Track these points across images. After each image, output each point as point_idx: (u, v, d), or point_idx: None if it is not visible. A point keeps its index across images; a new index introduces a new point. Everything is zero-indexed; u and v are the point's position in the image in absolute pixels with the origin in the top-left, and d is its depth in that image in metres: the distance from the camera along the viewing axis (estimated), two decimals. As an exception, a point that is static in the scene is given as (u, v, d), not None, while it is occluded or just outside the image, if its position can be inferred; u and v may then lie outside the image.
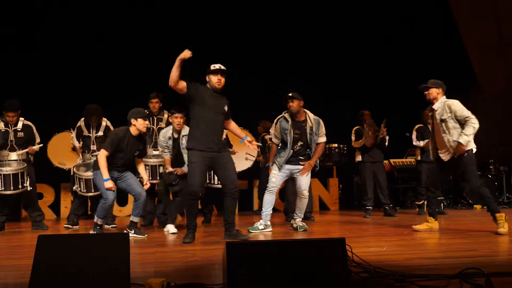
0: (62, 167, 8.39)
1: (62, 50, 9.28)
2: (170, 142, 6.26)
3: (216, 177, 7.21)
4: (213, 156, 5.17)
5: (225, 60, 8.44)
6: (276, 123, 6.10)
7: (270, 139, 7.02)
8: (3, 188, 6.48)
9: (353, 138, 8.07)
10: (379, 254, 4.17)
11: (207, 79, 5.24)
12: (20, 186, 6.53)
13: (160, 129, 6.94)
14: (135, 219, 5.77)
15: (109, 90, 8.42)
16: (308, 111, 6.04)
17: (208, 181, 7.28)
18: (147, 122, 5.71)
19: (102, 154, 5.56)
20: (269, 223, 6.03)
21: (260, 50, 9.93)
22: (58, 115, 8.45)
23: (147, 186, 5.83)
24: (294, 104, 5.87)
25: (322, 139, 6.05)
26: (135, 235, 5.67)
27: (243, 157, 8.56)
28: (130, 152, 5.72)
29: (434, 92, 5.66)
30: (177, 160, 6.31)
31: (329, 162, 7.81)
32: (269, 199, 6.02)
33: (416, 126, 8.22)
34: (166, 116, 7.01)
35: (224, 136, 7.55)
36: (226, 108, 5.30)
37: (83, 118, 6.97)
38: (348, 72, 10.16)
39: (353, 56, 10.26)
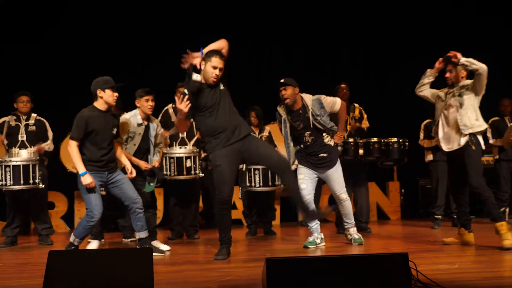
0: (77, 172, 8.57)
1: (73, 41, 9.44)
2: (141, 129, 6.04)
3: (257, 178, 7.19)
4: (239, 147, 5.13)
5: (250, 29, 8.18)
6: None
7: None
8: (12, 182, 6.55)
9: (421, 135, 7.98)
10: (450, 272, 4.11)
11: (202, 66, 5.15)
12: (31, 181, 6.57)
13: None
14: (142, 234, 5.52)
15: (126, 81, 8.50)
16: (304, 95, 5.92)
17: (248, 183, 7.25)
18: (116, 94, 5.40)
19: (72, 145, 5.27)
20: (322, 235, 6.00)
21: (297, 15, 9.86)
22: (72, 113, 8.61)
23: (132, 175, 5.61)
24: (288, 92, 5.77)
25: (336, 106, 5.92)
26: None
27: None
28: (108, 131, 5.42)
29: (460, 71, 5.54)
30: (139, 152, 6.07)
31: (388, 161, 7.64)
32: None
33: (491, 120, 8.05)
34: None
35: (266, 134, 7.57)
36: (221, 87, 5.21)
37: None
38: (410, 51, 9.95)
39: (403, 25, 10.05)
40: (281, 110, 5.94)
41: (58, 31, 9.44)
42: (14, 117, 7.02)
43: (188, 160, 6.50)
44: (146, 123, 6.07)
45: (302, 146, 5.92)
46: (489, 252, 5.17)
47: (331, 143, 5.93)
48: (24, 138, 6.94)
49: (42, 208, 7.15)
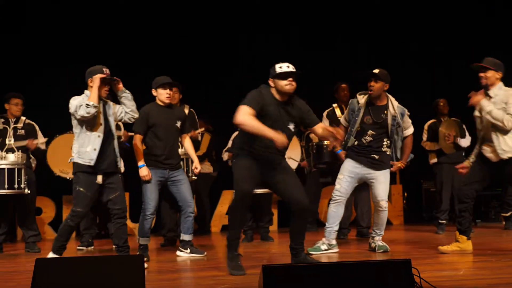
0: (65, 177, 8.54)
1: (61, 28, 9.37)
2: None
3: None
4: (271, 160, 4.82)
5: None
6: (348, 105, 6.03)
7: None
8: None
9: (424, 136, 7.94)
10: (454, 279, 4.12)
11: (272, 83, 4.83)
12: (16, 186, 6.51)
13: None
14: (186, 237, 5.93)
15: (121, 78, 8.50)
16: (391, 96, 5.90)
17: None
18: (168, 91, 5.80)
19: (136, 138, 5.78)
20: (334, 242, 5.94)
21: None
22: (59, 115, 8.61)
23: (197, 170, 6.04)
24: (376, 85, 5.72)
25: (410, 130, 5.99)
26: (191, 254, 5.89)
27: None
28: (169, 125, 5.82)
29: (493, 76, 5.37)
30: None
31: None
32: (335, 212, 5.90)
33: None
34: (186, 111, 7.05)
35: None
36: None
37: None
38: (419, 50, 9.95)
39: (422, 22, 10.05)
40: (360, 98, 5.86)
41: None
42: (2, 120, 7.00)
43: (181, 163, 6.45)
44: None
45: (356, 143, 5.86)
46: (494, 258, 5.18)
47: (388, 152, 5.86)
48: (12, 142, 6.92)
49: (28, 214, 7.12)
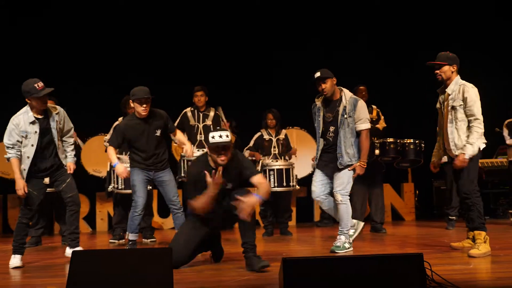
0: (98, 175, 8.64)
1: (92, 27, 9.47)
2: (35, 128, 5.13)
3: (272, 179, 7.19)
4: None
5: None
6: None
7: None
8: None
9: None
10: (464, 272, 4.09)
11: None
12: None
13: (206, 127, 6.97)
14: None
15: (149, 83, 8.54)
16: (345, 89, 5.60)
17: None
18: (141, 105, 5.40)
19: (110, 148, 5.60)
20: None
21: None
22: (92, 117, 8.70)
23: (188, 153, 5.74)
24: (327, 85, 5.44)
25: (364, 125, 5.49)
26: None
27: (305, 160, 8.46)
28: (147, 137, 5.53)
29: (448, 70, 5.06)
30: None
31: (404, 162, 7.60)
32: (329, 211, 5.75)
33: (507, 121, 7.98)
34: (212, 113, 7.08)
35: (283, 137, 7.54)
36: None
37: (120, 118, 7.18)
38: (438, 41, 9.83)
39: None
40: (318, 101, 5.68)
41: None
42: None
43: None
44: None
45: (324, 143, 5.61)
46: (503, 252, 5.12)
47: (350, 151, 5.48)
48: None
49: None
